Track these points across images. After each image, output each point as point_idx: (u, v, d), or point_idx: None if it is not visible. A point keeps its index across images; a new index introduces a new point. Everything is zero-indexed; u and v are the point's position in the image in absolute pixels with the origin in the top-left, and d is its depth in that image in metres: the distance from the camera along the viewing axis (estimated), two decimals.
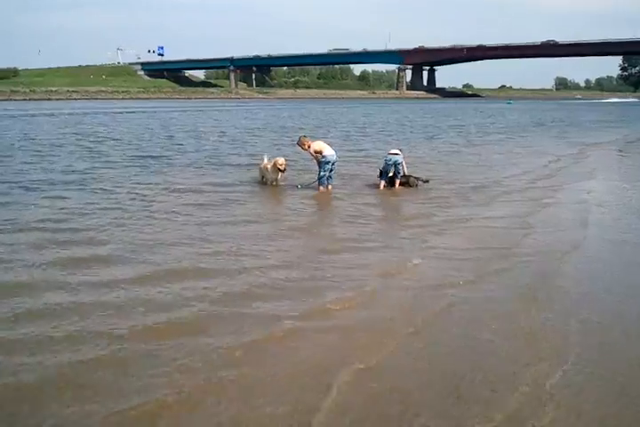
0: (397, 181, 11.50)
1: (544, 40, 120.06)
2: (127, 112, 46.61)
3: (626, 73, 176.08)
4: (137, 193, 10.35)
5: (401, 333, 4.56)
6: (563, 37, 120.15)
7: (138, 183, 11.49)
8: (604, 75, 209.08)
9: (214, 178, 12.36)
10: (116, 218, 8.31)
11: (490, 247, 7.10)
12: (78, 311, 4.79)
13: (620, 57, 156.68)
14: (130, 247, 6.74)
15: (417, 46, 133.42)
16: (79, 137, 22.47)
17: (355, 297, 5.25)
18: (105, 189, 10.72)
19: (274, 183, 11.33)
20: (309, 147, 10.92)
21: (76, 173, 12.85)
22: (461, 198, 10.44)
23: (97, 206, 9.11)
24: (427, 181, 11.62)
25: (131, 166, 14.06)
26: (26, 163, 14.44)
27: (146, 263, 6.15)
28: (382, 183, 11.48)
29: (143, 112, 47.19)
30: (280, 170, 11.05)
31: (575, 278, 6.03)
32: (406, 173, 11.65)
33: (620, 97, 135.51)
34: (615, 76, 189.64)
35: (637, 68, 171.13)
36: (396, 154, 11.35)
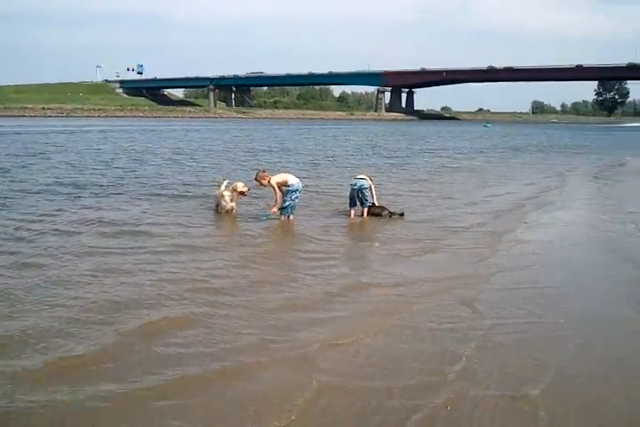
0: (365, 210, 10.56)
1: (522, 65, 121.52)
2: (94, 131, 44.98)
3: (601, 98, 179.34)
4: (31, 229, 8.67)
5: None
6: (538, 62, 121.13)
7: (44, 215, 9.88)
8: (579, 99, 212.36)
9: (148, 210, 10.77)
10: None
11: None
12: None
13: (596, 82, 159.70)
14: None
15: (396, 69, 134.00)
16: (16, 158, 20.63)
17: None
18: None
19: (230, 211, 10.40)
20: (269, 182, 9.88)
21: None
22: (443, 241, 8.78)
23: None
24: (402, 215, 10.60)
25: (46, 194, 12.36)
26: None
27: None
28: (352, 212, 10.59)
29: (110, 131, 45.49)
30: (242, 193, 10.32)
31: None
32: (377, 204, 10.76)
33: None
34: (590, 100, 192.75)
35: (612, 93, 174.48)
36: (362, 178, 10.57)
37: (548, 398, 3.92)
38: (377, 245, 8.66)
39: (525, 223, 10.35)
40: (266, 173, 10.07)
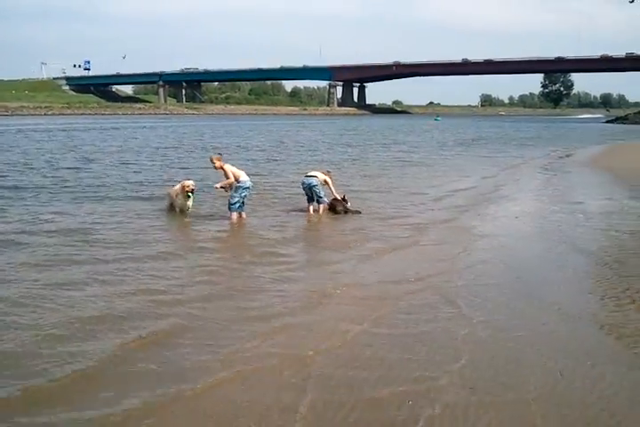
0: (321, 207, 10.56)
1: (468, 58, 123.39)
2: (40, 129, 43.28)
3: (547, 90, 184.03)
4: None
5: None
6: (488, 56, 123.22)
7: None
8: (526, 92, 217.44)
9: (96, 213, 10.31)
10: None
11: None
12: None
13: (542, 75, 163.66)
14: None
15: (347, 63, 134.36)
16: None
17: None
18: None
19: (184, 211, 10.18)
20: (222, 167, 9.73)
21: None
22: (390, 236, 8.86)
23: None
24: (358, 212, 10.56)
25: None
26: None
27: None
28: (310, 208, 10.64)
29: (56, 129, 43.90)
30: (189, 192, 9.97)
31: None
32: (337, 198, 10.66)
33: (591, 113, 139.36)
34: (537, 93, 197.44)
35: (557, 85, 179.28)
36: (312, 176, 10.55)
37: (541, 399, 3.88)
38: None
39: (483, 217, 10.55)
40: (221, 157, 10.02)
